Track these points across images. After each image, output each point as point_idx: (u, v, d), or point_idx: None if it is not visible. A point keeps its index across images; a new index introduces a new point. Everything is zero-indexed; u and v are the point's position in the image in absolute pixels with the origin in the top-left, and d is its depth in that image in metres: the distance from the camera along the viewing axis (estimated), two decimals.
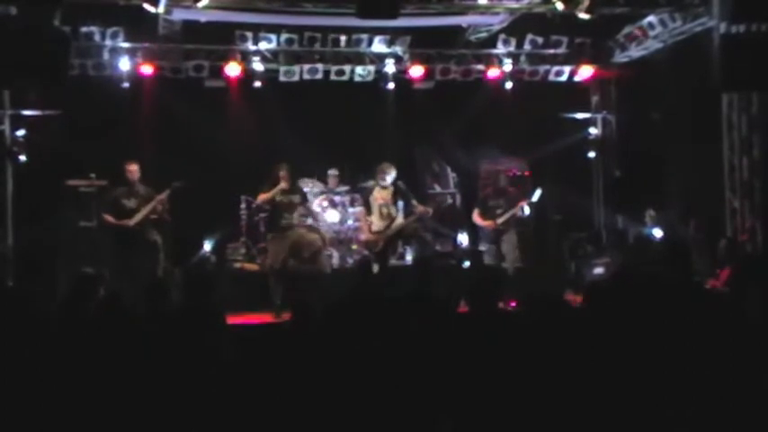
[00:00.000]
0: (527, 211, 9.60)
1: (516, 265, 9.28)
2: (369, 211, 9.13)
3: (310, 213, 9.67)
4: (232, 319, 6.26)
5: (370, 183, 9.76)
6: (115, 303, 4.68)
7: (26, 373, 4.03)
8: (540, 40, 11.14)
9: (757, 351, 3.76)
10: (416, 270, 6.06)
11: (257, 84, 11.04)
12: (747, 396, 3.60)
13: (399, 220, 8.95)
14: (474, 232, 10.52)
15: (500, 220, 9.45)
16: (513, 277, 8.84)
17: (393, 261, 9.56)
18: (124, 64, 10.48)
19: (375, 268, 8.20)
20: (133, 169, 8.81)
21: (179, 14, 9.43)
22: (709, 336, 3.88)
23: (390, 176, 9.02)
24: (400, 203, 8.96)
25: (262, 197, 9.08)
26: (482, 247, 9.96)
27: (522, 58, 11.50)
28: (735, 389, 3.62)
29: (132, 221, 8.66)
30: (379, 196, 9.04)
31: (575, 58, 11.60)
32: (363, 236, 9.33)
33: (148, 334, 4.57)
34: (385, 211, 8.96)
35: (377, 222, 8.99)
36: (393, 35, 10.92)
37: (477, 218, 9.74)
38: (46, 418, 3.88)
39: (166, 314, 5.10)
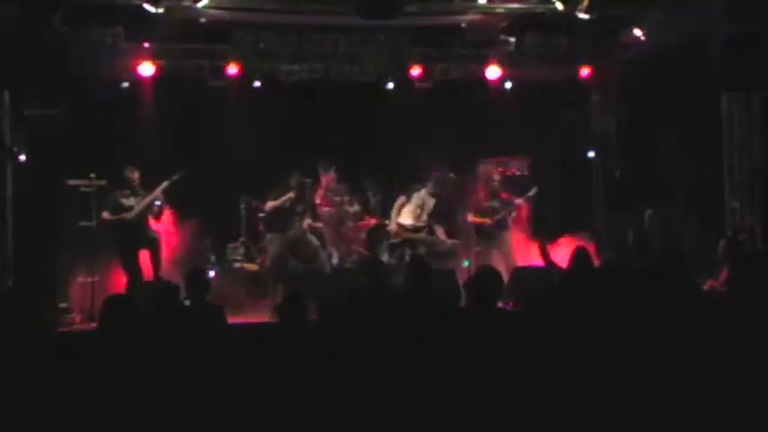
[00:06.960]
0: (519, 202, 10.09)
1: (513, 264, 9.36)
2: (408, 199, 9.79)
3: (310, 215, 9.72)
4: (232, 320, 6.28)
5: (422, 190, 10.16)
6: (121, 304, 4.64)
7: (34, 375, 4.03)
8: (539, 39, 11.13)
9: (756, 350, 3.76)
10: (412, 269, 6.04)
11: (257, 84, 11.04)
12: (745, 395, 3.61)
13: (420, 234, 9.61)
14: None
15: (497, 216, 9.83)
16: (511, 277, 8.86)
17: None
18: (124, 64, 10.47)
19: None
20: (135, 176, 9.05)
21: (179, 14, 9.43)
22: (708, 336, 3.88)
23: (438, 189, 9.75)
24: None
25: (270, 204, 9.14)
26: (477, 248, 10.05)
27: (522, 57, 11.48)
28: (733, 388, 3.63)
29: (131, 214, 8.82)
30: (424, 200, 9.70)
31: (575, 58, 11.59)
32: (390, 225, 9.88)
33: (153, 333, 4.57)
34: (418, 212, 9.44)
35: (406, 216, 9.39)
36: (393, 35, 10.91)
37: (471, 218, 10.01)
38: (52, 419, 3.90)
39: (169, 313, 5.10)
